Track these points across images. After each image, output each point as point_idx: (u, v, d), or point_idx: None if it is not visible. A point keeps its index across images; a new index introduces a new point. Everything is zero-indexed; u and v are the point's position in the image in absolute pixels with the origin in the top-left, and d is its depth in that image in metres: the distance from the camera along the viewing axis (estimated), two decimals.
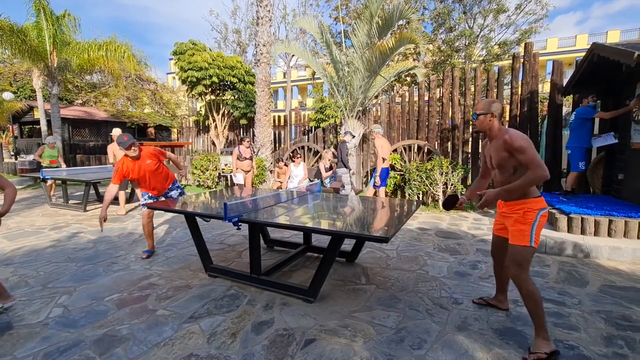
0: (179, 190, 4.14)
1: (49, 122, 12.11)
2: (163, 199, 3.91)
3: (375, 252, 4.04)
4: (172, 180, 4.07)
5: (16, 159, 14.21)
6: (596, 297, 2.87)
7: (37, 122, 13.60)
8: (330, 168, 7.55)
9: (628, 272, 3.39)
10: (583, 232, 4.13)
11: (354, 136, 7.24)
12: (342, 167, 6.64)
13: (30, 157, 13.15)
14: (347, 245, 3.72)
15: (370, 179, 6.42)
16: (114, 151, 6.44)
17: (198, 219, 4.72)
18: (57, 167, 7.84)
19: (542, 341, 2.06)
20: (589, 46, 5.02)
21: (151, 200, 3.84)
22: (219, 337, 2.30)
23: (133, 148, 3.55)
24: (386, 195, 7.36)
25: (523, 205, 2.15)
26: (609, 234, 4.03)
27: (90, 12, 74.38)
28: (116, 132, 6.26)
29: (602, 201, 4.87)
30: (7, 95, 12.69)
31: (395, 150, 7.52)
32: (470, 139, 7.00)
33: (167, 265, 3.65)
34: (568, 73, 6.76)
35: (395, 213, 3.09)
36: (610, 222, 4.02)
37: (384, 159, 5.77)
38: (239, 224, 2.72)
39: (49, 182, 7.21)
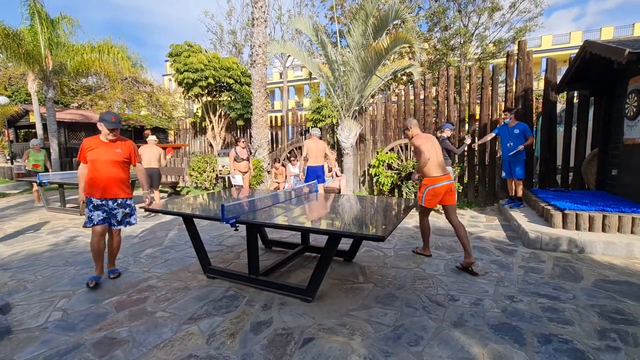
0: (134, 215, 3.36)
1: (44, 126, 12.07)
2: (104, 216, 3.16)
3: (373, 251, 4.07)
4: (129, 196, 3.30)
5: (12, 163, 14.15)
6: (590, 291, 2.91)
7: (33, 126, 13.58)
8: (330, 170, 7.57)
9: (622, 267, 3.43)
10: (578, 227, 4.18)
11: (320, 130, 6.82)
12: (450, 164, 5.84)
13: None
14: (345, 244, 3.75)
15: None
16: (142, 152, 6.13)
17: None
18: (41, 171, 7.49)
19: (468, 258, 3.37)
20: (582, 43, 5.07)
21: (93, 215, 3.11)
22: (218, 337, 2.32)
23: (113, 132, 3.13)
24: (382, 194, 7.39)
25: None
26: (603, 229, 4.08)
27: (88, 15, 74.14)
28: (148, 134, 6.19)
29: (597, 197, 4.93)
30: (1, 100, 12.65)
31: (392, 150, 7.55)
32: (466, 137, 7.04)
33: (166, 268, 3.66)
34: (563, 70, 6.81)
35: (392, 212, 3.11)
36: (604, 217, 4.07)
37: (306, 159, 5.95)
38: (237, 225, 2.74)
39: (35, 187, 7.01)
